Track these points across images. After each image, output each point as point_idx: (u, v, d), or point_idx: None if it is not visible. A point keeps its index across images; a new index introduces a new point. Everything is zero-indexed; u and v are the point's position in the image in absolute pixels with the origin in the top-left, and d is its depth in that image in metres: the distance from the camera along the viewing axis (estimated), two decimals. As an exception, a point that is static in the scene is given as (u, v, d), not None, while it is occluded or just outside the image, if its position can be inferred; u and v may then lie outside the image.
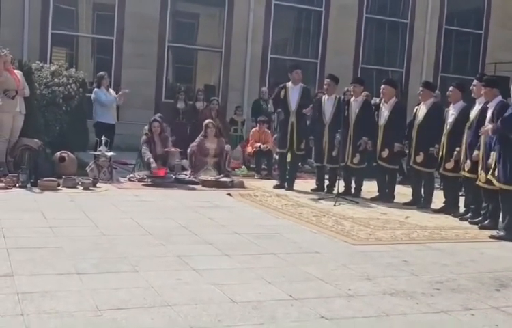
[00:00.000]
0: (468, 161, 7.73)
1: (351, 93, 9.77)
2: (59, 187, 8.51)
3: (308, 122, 10.25)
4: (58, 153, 9.52)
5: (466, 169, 7.82)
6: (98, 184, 8.98)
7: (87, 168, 9.58)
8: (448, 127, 8.30)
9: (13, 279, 4.28)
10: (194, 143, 10.69)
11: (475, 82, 8.06)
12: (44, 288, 4.11)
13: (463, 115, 8.08)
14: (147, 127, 10.68)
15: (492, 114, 7.23)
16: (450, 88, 8.53)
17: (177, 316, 3.78)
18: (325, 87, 10.12)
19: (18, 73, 9.39)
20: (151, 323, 3.65)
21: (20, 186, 8.33)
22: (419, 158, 8.75)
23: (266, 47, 16.70)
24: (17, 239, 5.46)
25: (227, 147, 10.81)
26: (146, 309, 3.88)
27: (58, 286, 4.19)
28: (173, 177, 9.82)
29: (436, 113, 8.67)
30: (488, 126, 7.17)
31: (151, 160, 9.93)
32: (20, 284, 4.17)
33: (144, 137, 10.41)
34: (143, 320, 3.69)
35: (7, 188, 8.12)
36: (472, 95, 8.11)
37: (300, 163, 11.19)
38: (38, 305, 3.81)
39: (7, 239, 5.41)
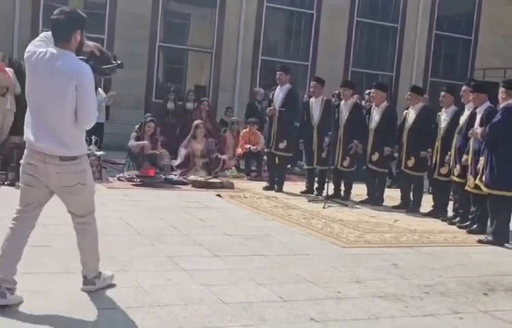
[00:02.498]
0: (458, 166, 7.78)
1: (342, 96, 9.72)
2: (48, 186, 8.45)
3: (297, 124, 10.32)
4: (47, 151, 9.45)
5: (456, 173, 7.87)
6: (88, 183, 8.92)
7: (76, 167, 9.51)
8: (441, 132, 8.33)
9: (3, 277, 4.26)
10: (184, 146, 10.71)
11: (464, 87, 8.12)
12: (34, 287, 4.10)
13: (455, 120, 8.11)
14: (137, 126, 10.66)
15: (481, 119, 7.27)
16: (442, 93, 8.54)
17: (167, 317, 3.78)
18: (311, 89, 10.23)
19: (9, 70, 9.34)
20: (141, 323, 3.65)
21: (8, 184, 8.28)
22: (410, 163, 8.78)
23: (257, 48, 16.70)
24: (6, 237, 5.42)
25: (224, 156, 11.00)
26: (136, 309, 3.87)
27: (48, 285, 4.18)
28: (163, 177, 9.81)
29: (426, 117, 8.73)
30: (478, 128, 7.21)
31: (142, 143, 10.09)
32: (9, 283, 4.14)
33: (134, 134, 10.44)
34: (133, 320, 3.68)
35: (-5, 186, 8.09)
36: (462, 100, 8.18)
37: (289, 165, 11.22)
38: (28, 303, 3.80)
39: (-4, 237, 5.37)
